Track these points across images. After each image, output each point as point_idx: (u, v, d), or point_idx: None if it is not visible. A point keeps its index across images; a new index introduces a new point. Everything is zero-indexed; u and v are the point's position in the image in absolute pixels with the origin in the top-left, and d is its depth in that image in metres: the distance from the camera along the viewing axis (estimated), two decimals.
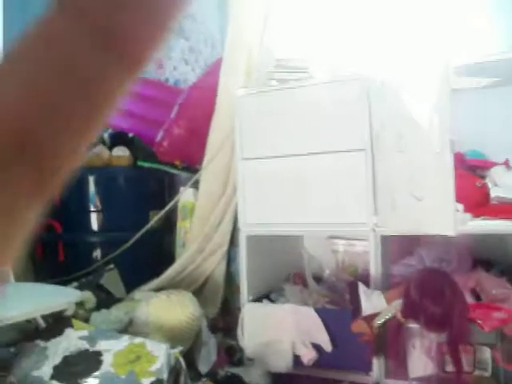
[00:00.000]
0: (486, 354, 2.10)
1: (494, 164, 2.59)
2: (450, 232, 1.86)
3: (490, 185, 2.41)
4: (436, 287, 2.05)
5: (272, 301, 2.68)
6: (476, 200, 2.26)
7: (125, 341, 2.19)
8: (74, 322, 2.34)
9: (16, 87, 0.27)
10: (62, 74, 0.27)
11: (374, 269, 2.36)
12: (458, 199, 1.93)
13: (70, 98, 0.27)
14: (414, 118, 2.01)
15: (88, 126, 0.29)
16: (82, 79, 0.27)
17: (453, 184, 1.85)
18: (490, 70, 2.44)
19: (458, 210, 2.01)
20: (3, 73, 0.27)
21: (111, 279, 3.06)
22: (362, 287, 2.29)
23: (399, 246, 2.51)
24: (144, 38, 0.29)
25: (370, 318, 2.18)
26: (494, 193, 2.36)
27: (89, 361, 2.08)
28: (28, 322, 2.62)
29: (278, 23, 2.93)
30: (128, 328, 2.54)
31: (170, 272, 3.05)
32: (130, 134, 3.42)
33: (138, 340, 2.19)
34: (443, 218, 1.89)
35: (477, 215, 2.21)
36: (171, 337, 2.43)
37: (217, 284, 3.10)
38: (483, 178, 2.47)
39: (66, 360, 2.10)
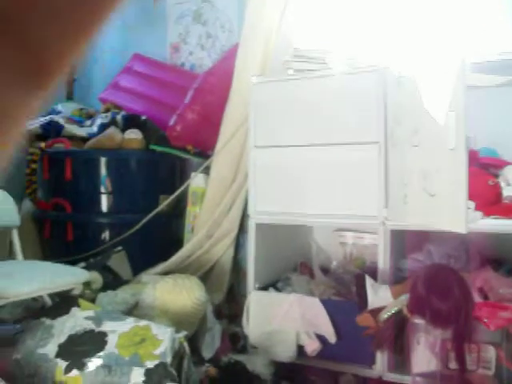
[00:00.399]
0: (491, 352, 2.09)
1: (507, 163, 2.57)
2: (461, 229, 1.85)
3: (502, 184, 2.39)
4: (443, 283, 2.04)
5: (278, 290, 2.68)
6: (488, 198, 2.25)
7: (130, 323, 2.20)
8: (81, 301, 2.35)
9: None
10: None
11: (382, 262, 2.36)
12: (470, 197, 1.92)
13: None
14: (430, 112, 2.00)
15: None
16: None
17: (466, 181, 1.83)
18: (507, 67, 2.42)
19: (469, 208, 2.00)
20: None
21: (119, 261, 3.08)
22: (369, 280, 2.29)
23: (408, 241, 2.51)
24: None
25: (376, 312, 2.18)
26: (507, 192, 2.34)
27: (94, 341, 2.09)
28: (34, 299, 2.64)
29: (297, 12, 2.91)
30: (133, 310, 2.55)
31: (177, 256, 3.06)
32: (143, 117, 3.43)
33: (143, 323, 2.20)
34: (455, 214, 1.88)
35: (488, 214, 2.20)
36: (176, 321, 2.44)
37: (224, 270, 3.11)
38: (496, 176, 2.45)
39: (72, 339, 2.11)
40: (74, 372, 1.98)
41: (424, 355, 2.15)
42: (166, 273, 2.94)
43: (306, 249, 3.05)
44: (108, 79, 3.76)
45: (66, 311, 2.25)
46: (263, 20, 2.92)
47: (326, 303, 2.41)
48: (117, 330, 2.15)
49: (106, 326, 2.17)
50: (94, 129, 3.42)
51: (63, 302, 2.37)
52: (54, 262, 2.74)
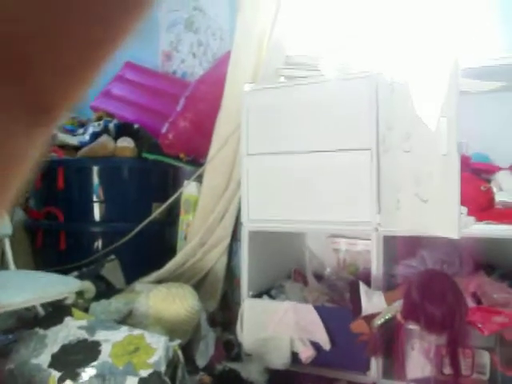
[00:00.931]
0: (485, 357, 2.09)
1: (499, 168, 2.58)
2: (453, 235, 1.86)
3: (494, 189, 2.40)
4: (437, 289, 2.04)
5: (272, 297, 2.68)
6: (480, 204, 2.26)
7: (124, 332, 2.19)
8: (74, 311, 2.34)
9: None
10: None
11: (376, 268, 2.36)
12: (463, 202, 1.92)
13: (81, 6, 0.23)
14: (422, 118, 2.00)
15: (96, 44, 0.25)
16: None
17: (459, 187, 1.84)
18: (499, 73, 2.44)
19: (462, 213, 2.00)
20: None
21: (112, 270, 3.06)
22: (362, 287, 2.29)
23: (401, 247, 2.51)
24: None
25: (370, 318, 2.17)
26: (499, 197, 2.35)
27: (87, 350, 2.08)
28: (27, 309, 2.62)
29: (289, 19, 2.92)
30: (127, 319, 2.54)
31: (170, 265, 3.05)
32: (136, 125, 3.42)
33: (136, 332, 2.19)
34: (447, 220, 1.88)
35: (480, 219, 2.21)
36: (170, 329, 2.43)
37: (217, 278, 3.10)
38: (488, 181, 2.46)
39: (65, 349, 2.10)
40: (68, 382, 1.97)
41: (418, 361, 2.15)
42: (159, 281, 2.93)
43: (299, 256, 3.05)
44: (100, 87, 3.75)
45: (59, 321, 2.24)
46: (255, 27, 2.92)
47: (319, 310, 2.41)
48: (110, 339, 2.14)
49: (100, 336, 2.16)
50: (86, 137, 3.41)
51: (56, 312, 2.36)
52: (46, 271, 2.72)
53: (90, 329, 2.19)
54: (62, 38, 0.24)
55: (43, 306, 2.50)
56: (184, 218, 3.24)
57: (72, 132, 3.60)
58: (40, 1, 0.23)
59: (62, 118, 0.26)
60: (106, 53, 0.26)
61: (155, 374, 1.99)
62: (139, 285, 2.87)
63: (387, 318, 2.13)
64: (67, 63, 0.24)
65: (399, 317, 2.09)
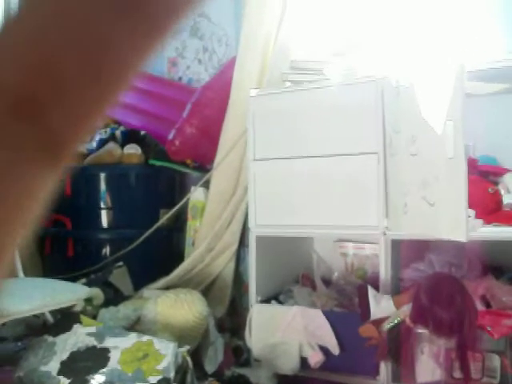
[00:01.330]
0: (495, 361, 2.08)
1: (506, 170, 2.57)
2: (461, 238, 1.85)
3: (502, 191, 2.39)
4: (446, 292, 2.04)
5: (280, 302, 2.67)
6: (488, 206, 2.25)
7: (132, 338, 2.19)
8: (83, 318, 2.35)
9: (19, 43, 0.24)
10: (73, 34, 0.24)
11: (384, 273, 2.35)
12: (470, 205, 1.92)
13: (80, 64, 0.24)
14: (428, 121, 2.00)
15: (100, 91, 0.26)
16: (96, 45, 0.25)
17: (466, 190, 1.83)
18: (504, 75, 2.43)
19: (469, 216, 1.99)
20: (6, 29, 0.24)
21: (120, 276, 3.07)
22: (371, 291, 2.29)
23: (409, 251, 2.50)
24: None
25: (379, 322, 2.17)
26: (507, 200, 2.34)
27: (96, 357, 2.09)
28: (36, 317, 2.63)
29: (294, 24, 2.92)
30: (135, 326, 2.54)
31: (178, 271, 3.05)
32: (142, 132, 3.43)
33: (145, 338, 2.20)
34: (455, 223, 1.88)
35: (488, 221, 2.20)
36: (179, 335, 2.43)
37: (225, 284, 3.10)
38: (496, 184, 2.45)
39: (74, 356, 2.10)
40: None
41: (428, 365, 2.14)
42: (167, 287, 2.93)
43: (307, 260, 3.05)
44: None
45: (68, 328, 2.24)
46: (260, 33, 2.92)
47: (328, 314, 2.40)
48: (119, 345, 2.14)
49: (109, 342, 2.16)
50: (93, 144, 3.42)
51: (65, 319, 2.36)
52: (54, 278, 2.73)
53: (99, 336, 2.19)
54: (77, 85, 0.25)
55: (52, 313, 2.51)
56: (191, 224, 3.24)
57: None
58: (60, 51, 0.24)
59: (70, 158, 0.27)
60: (114, 99, 0.27)
61: (164, 381, 1.99)
62: (147, 291, 2.87)
63: (396, 322, 2.12)
64: (80, 107, 0.26)
65: (408, 321, 2.08)
